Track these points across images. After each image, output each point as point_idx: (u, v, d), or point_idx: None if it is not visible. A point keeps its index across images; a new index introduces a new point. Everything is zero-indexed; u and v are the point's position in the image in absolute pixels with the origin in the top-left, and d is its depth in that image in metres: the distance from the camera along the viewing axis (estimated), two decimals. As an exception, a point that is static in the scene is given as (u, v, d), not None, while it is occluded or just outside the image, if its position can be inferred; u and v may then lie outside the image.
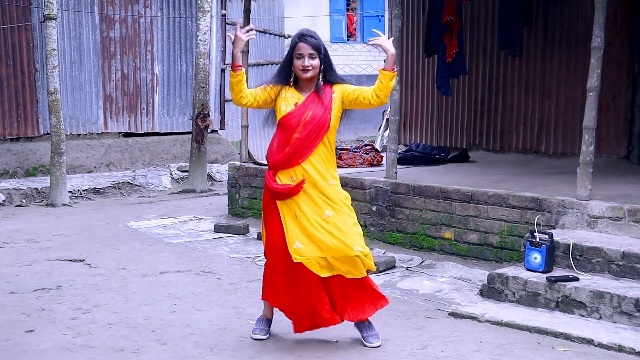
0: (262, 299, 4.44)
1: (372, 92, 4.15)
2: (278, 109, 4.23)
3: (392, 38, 4.73)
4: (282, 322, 4.57)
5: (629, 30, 7.81)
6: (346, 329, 4.55)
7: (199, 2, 10.44)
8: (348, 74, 17.51)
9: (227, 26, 13.18)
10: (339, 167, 7.85)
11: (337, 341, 4.36)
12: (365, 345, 4.25)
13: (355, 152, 8.27)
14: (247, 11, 8.37)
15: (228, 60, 13.22)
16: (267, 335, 4.39)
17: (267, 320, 4.45)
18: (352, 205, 4.29)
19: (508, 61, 8.75)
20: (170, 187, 11.00)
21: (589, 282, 4.87)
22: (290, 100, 4.21)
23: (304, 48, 4.13)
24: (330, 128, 4.19)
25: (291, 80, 4.23)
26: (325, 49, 4.22)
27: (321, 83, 4.22)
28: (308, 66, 4.13)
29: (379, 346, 4.24)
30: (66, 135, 9.87)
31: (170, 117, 12.37)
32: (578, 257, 5.13)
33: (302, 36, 4.17)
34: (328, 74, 4.23)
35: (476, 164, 8.44)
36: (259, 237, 7.07)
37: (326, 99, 4.19)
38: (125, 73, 11.73)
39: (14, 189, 9.52)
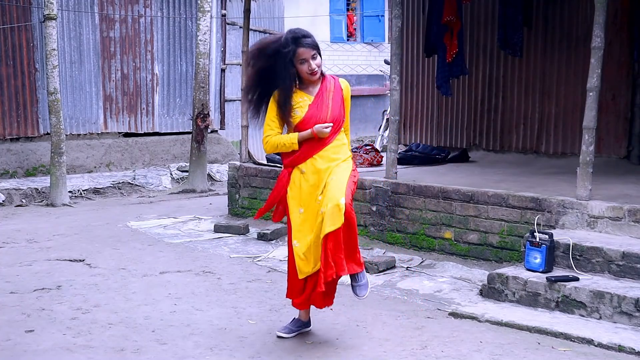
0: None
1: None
2: (292, 117, 4.20)
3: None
4: (282, 323, 4.58)
5: (629, 30, 7.81)
6: (346, 329, 4.55)
7: (199, 2, 10.44)
8: (348, 74, 17.50)
9: (227, 26, 13.19)
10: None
11: (337, 339, 4.37)
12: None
13: (355, 152, 8.26)
14: (247, 11, 8.37)
15: (228, 60, 13.23)
16: (292, 334, 4.43)
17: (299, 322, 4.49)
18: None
19: (508, 61, 8.74)
20: (170, 187, 11.00)
21: (589, 282, 4.87)
22: (301, 104, 4.19)
23: (306, 52, 4.09)
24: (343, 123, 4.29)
25: (296, 84, 4.20)
26: (318, 44, 4.22)
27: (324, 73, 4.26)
28: (315, 69, 4.12)
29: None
30: (66, 135, 9.87)
31: (170, 117, 12.37)
32: (578, 257, 5.13)
33: (297, 40, 4.09)
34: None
35: (476, 164, 8.44)
36: (259, 237, 7.07)
37: (337, 93, 4.23)
38: (125, 73, 11.73)
39: (14, 189, 9.52)
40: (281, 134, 4.28)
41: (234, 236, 7.24)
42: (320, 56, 4.18)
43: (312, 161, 4.21)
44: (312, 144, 4.20)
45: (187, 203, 9.45)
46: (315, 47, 4.12)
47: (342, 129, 4.30)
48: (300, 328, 4.46)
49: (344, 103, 4.26)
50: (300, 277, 4.22)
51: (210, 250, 6.71)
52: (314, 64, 4.11)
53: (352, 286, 4.25)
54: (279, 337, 4.38)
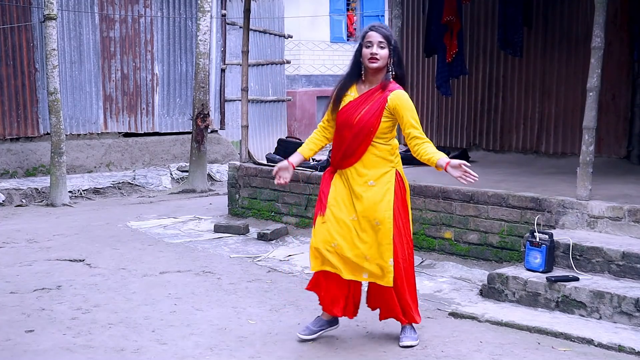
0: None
1: (411, 141, 4.23)
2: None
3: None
4: (282, 323, 4.58)
5: (629, 30, 7.81)
6: (346, 329, 4.55)
7: (199, 2, 10.44)
8: (348, 74, 17.51)
9: (227, 26, 13.19)
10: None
11: (337, 338, 4.37)
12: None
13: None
14: (247, 11, 8.37)
15: (228, 60, 13.24)
16: (313, 335, 4.35)
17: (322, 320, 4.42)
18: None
19: (508, 61, 8.75)
20: (170, 187, 11.00)
21: (589, 282, 4.87)
22: (347, 97, 4.19)
23: (374, 36, 4.08)
24: (379, 132, 4.13)
25: (362, 74, 4.16)
26: (396, 42, 4.19)
27: (390, 76, 4.14)
28: (376, 54, 4.05)
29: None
30: (66, 135, 9.87)
31: (170, 117, 12.37)
32: (578, 257, 5.13)
33: (373, 26, 4.16)
34: (397, 68, 4.16)
35: (476, 164, 8.42)
36: (259, 237, 7.07)
37: (378, 102, 4.10)
38: (125, 73, 11.74)
39: (14, 189, 9.52)
40: (331, 123, 4.30)
41: (234, 236, 7.24)
42: (392, 52, 4.11)
43: (342, 172, 4.26)
44: (343, 150, 4.19)
45: (187, 203, 9.45)
46: (386, 37, 4.08)
47: (377, 139, 4.16)
48: (323, 327, 4.37)
49: (381, 112, 4.09)
50: (312, 269, 4.25)
51: (210, 250, 6.71)
52: (377, 49, 4.06)
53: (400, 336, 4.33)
54: (300, 340, 4.30)
